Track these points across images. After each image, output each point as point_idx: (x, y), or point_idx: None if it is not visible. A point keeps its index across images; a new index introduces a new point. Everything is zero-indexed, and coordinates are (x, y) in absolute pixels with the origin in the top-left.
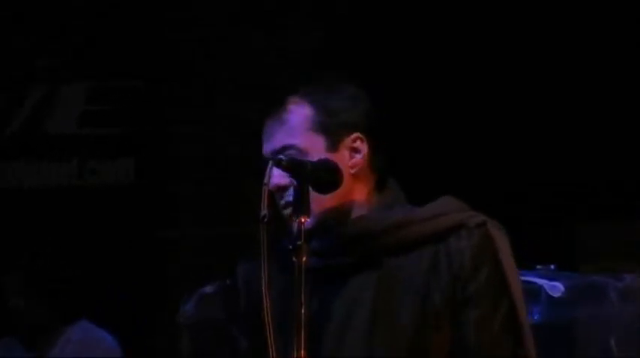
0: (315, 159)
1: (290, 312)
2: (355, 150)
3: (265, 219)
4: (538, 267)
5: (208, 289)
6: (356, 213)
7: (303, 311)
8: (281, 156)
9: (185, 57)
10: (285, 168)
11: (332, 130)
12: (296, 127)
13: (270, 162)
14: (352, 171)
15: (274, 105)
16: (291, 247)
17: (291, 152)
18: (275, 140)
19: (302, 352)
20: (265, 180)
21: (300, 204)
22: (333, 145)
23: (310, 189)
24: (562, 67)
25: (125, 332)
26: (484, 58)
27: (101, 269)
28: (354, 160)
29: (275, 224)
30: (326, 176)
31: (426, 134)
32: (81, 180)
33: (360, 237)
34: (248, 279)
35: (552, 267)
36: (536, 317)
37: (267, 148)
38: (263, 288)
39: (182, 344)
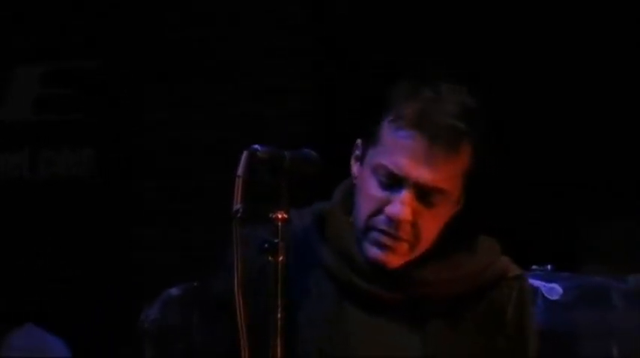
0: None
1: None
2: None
3: (239, 214)
4: (534, 267)
5: (174, 291)
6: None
7: (279, 315)
8: (257, 147)
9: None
10: (261, 161)
11: (468, 184)
12: (459, 171)
13: (245, 153)
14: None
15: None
16: (266, 245)
17: (439, 197)
18: (439, 174)
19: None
20: (239, 172)
21: (278, 200)
22: (459, 200)
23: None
24: (568, 64)
25: (83, 340)
26: (486, 56)
27: (58, 270)
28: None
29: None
30: (305, 169)
31: None
32: (34, 171)
33: (416, 280)
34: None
35: (549, 267)
36: None
37: (425, 176)
38: (235, 288)
39: (146, 354)
